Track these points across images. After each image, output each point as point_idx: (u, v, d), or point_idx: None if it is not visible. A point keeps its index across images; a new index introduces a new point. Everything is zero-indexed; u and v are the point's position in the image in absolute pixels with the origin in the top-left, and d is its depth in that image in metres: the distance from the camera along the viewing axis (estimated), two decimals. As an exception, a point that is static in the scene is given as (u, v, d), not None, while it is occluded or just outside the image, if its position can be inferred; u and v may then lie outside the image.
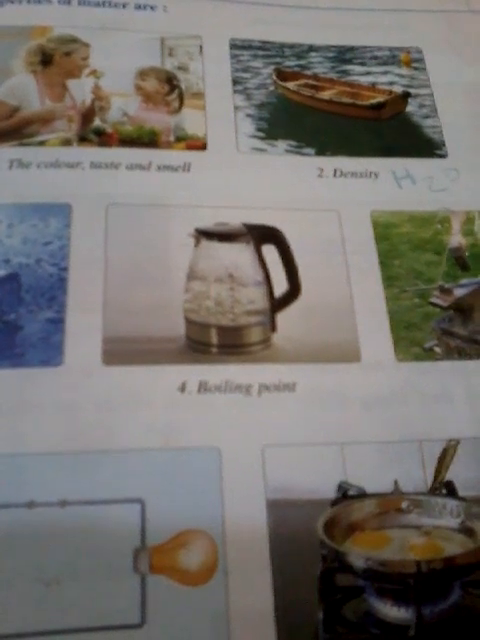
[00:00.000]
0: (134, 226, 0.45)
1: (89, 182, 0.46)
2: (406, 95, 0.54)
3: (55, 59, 0.51)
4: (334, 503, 0.37)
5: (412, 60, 0.56)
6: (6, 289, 0.42)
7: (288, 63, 0.55)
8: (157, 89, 0.52)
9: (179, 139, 0.50)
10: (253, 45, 0.55)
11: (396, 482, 0.38)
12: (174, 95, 0.52)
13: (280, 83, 0.54)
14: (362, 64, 0.56)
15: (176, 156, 0.48)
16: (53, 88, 0.51)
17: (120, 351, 0.41)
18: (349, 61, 0.56)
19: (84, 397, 0.39)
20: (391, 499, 0.38)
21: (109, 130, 0.49)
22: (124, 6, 0.54)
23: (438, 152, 0.52)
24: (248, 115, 0.51)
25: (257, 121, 0.51)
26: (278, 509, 0.37)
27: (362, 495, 0.38)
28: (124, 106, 0.51)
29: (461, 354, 0.44)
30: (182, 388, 0.40)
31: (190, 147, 0.49)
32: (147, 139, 0.49)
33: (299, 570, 0.36)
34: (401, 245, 0.47)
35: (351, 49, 0.56)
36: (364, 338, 0.43)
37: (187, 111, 0.51)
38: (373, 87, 0.55)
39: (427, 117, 0.54)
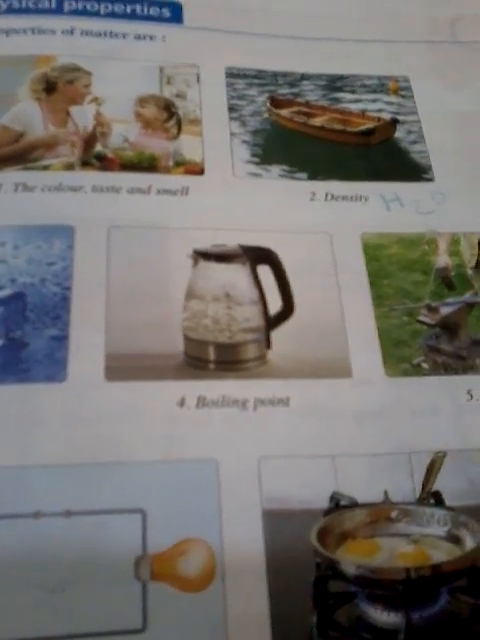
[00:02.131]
0: (134, 247, 0.47)
1: (91, 205, 0.48)
2: (394, 122, 0.56)
3: (58, 87, 0.53)
4: (327, 513, 0.39)
5: (400, 88, 0.58)
6: (12, 308, 0.43)
7: (281, 91, 0.57)
8: (156, 116, 0.54)
9: (178, 164, 0.52)
10: (248, 74, 0.57)
11: (386, 492, 0.40)
12: (172, 122, 0.54)
13: (274, 110, 0.56)
14: (352, 92, 0.58)
15: (175, 180, 0.50)
16: (56, 114, 0.53)
17: (121, 367, 0.42)
18: (340, 89, 0.58)
19: (87, 411, 0.40)
20: (381, 508, 0.39)
21: (110, 155, 0.51)
22: (124, 36, 0.56)
23: (425, 176, 0.54)
24: (243, 141, 0.53)
25: (252, 147, 0.53)
26: (273, 518, 0.38)
27: (353, 505, 0.39)
28: (125, 132, 0.52)
29: (447, 369, 0.46)
30: (181, 403, 0.41)
31: (188, 172, 0.51)
32: (147, 164, 0.51)
33: (293, 577, 0.37)
34: (390, 266, 0.49)
35: (341, 78, 0.58)
36: (355, 354, 0.45)
37: (185, 137, 0.53)
38: (363, 114, 0.57)
39: (414, 143, 0.56)
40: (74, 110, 0.53)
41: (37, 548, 0.36)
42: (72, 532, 0.37)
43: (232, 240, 0.47)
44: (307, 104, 0.57)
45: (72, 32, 0.55)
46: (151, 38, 0.57)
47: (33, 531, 0.37)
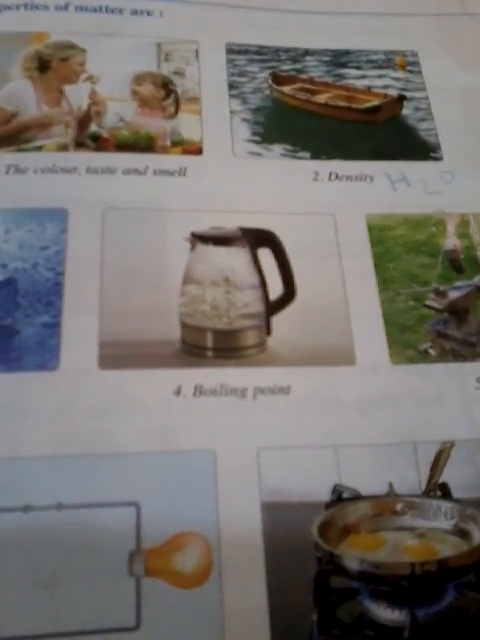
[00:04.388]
0: (130, 230, 0.46)
1: (85, 187, 0.46)
2: (401, 98, 0.55)
3: (52, 65, 0.52)
4: (329, 505, 0.38)
5: (407, 63, 0.56)
6: (3, 294, 0.42)
7: (284, 67, 0.55)
8: (153, 94, 0.52)
9: (175, 144, 0.50)
10: (249, 49, 0.55)
11: (390, 484, 0.39)
12: (170, 100, 0.52)
13: (276, 87, 0.54)
14: (357, 68, 0.56)
15: (172, 161, 0.49)
16: (50, 93, 0.51)
17: (116, 355, 0.41)
18: (344, 65, 0.56)
19: (80, 401, 0.39)
20: (385, 501, 0.38)
21: (105, 135, 0.50)
22: (120, 12, 0.55)
23: (433, 155, 0.52)
24: (244, 119, 0.52)
25: (253, 125, 0.52)
26: (273, 511, 0.37)
27: (357, 497, 0.38)
28: (120, 111, 0.51)
29: (456, 356, 0.44)
30: (177, 392, 0.40)
31: (186, 152, 0.49)
32: (143, 144, 0.49)
33: (294, 572, 0.36)
34: (396, 248, 0.47)
35: (346, 53, 0.56)
36: (359, 341, 0.43)
37: (183, 116, 0.51)
38: (368, 91, 0.55)
39: (422, 120, 0.54)
40: (68, 89, 0.51)
41: (27, 542, 0.35)
42: (64, 526, 0.36)
43: (231, 222, 0.46)
44: (310, 80, 0.55)
45: (66, 8, 0.54)
46: (148, 13, 0.55)
47: (23, 525, 0.36)
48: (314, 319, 0.44)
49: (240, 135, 0.51)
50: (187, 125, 0.51)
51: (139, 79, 0.52)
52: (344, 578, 0.35)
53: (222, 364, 0.42)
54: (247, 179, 0.49)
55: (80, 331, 0.41)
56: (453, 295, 0.46)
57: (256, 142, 0.51)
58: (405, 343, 0.44)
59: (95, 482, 0.37)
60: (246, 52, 0.55)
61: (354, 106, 0.54)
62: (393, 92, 0.55)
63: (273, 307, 0.45)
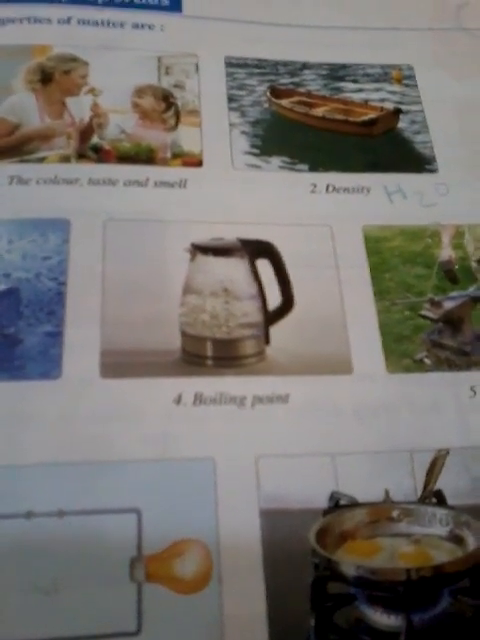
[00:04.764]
0: (131, 241, 0.46)
1: (87, 198, 0.47)
2: (397, 111, 0.55)
3: (55, 77, 0.52)
4: (326, 512, 0.38)
5: (403, 77, 0.57)
6: (6, 303, 0.43)
7: (282, 81, 0.56)
8: (154, 106, 0.53)
9: (175, 156, 0.51)
10: (248, 63, 0.56)
11: (387, 491, 0.39)
12: (170, 112, 0.53)
13: (274, 100, 0.55)
14: (354, 81, 0.57)
15: (173, 172, 0.49)
16: (52, 106, 0.52)
17: (117, 364, 0.41)
18: (342, 78, 0.57)
19: (82, 409, 0.40)
20: (382, 508, 0.38)
21: (107, 147, 0.50)
22: (122, 25, 0.55)
23: (429, 167, 0.53)
24: (243, 132, 0.52)
25: (252, 138, 0.52)
26: (271, 518, 0.38)
27: (353, 504, 0.38)
28: (122, 123, 0.52)
29: (450, 365, 0.45)
30: (178, 400, 0.41)
31: (186, 164, 0.50)
32: (144, 156, 0.50)
33: (291, 578, 0.36)
34: (392, 259, 0.48)
35: (344, 67, 0.57)
36: (356, 350, 0.44)
37: (183, 128, 0.52)
38: (365, 104, 0.56)
39: (418, 133, 0.55)
40: (70, 101, 0.52)
41: (29, 549, 0.36)
42: (65, 532, 0.36)
43: (231, 233, 0.47)
44: (308, 94, 0.56)
45: (69, 21, 0.54)
46: (149, 27, 0.56)
47: (25, 531, 0.36)
48: (312, 328, 0.45)
49: (239, 147, 0.52)
50: (187, 137, 0.51)
51: (140, 92, 0.53)
52: (341, 584, 0.35)
53: (221, 373, 0.43)
54: (246, 191, 0.49)
55: (82, 340, 0.42)
56: (448, 305, 0.47)
57: (255, 154, 0.52)
58: (401, 352, 0.45)
59: (96, 489, 0.37)
60: (245, 65, 0.56)
61: (351, 119, 0.55)
62: (389, 105, 0.56)
63: (271, 317, 0.45)
